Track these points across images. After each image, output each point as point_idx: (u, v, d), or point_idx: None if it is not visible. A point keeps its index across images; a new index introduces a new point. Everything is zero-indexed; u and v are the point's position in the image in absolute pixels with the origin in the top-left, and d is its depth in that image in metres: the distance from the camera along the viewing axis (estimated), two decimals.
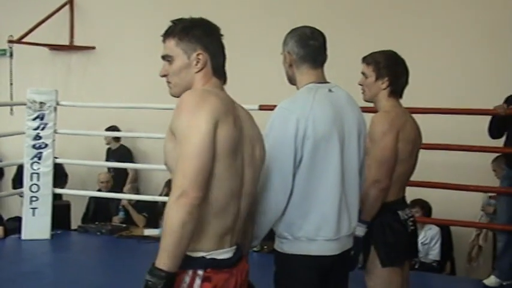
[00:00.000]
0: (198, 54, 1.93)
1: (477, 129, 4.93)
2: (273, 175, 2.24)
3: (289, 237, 2.34)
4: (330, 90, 2.38)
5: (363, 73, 2.89)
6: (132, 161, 7.26)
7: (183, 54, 1.94)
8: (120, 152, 7.27)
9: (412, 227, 2.94)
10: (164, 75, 2.00)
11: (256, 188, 2.04)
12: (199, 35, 1.93)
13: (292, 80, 2.47)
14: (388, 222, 2.82)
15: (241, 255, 1.98)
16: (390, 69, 2.83)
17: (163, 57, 1.99)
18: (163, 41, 1.98)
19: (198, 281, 1.82)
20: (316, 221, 2.31)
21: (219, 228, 1.85)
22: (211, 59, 1.95)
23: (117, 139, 7.30)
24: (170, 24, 1.97)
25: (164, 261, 1.71)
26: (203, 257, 1.83)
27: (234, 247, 1.93)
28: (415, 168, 3.02)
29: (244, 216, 1.97)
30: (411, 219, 2.94)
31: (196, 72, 1.94)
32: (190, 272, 1.81)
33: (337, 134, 2.31)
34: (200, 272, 1.82)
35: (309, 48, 2.40)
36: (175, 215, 1.68)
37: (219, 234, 1.86)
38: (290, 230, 2.33)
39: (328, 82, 2.43)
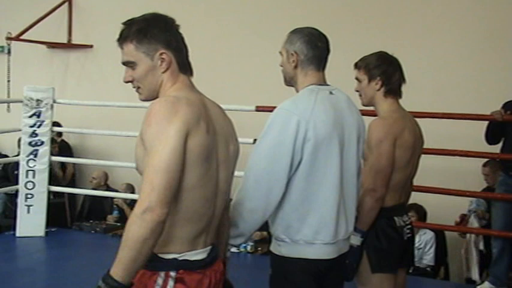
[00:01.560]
0: (161, 54, 1.85)
1: (474, 135, 4.93)
2: (266, 175, 2.22)
3: (287, 240, 2.32)
4: (330, 93, 2.37)
5: (357, 78, 2.85)
6: (72, 156, 7.21)
7: (145, 57, 1.85)
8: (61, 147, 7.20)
9: (408, 235, 2.88)
10: (129, 81, 1.92)
11: (231, 186, 2.00)
12: (158, 33, 1.84)
13: (290, 81, 2.44)
14: (382, 228, 2.78)
15: (216, 256, 1.95)
16: (381, 68, 2.79)
17: (125, 64, 1.90)
18: (121, 46, 1.89)
19: (171, 283, 1.80)
20: (315, 225, 2.30)
21: (192, 231, 1.83)
22: (175, 55, 1.87)
23: (59, 134, 7.22)
24: (122, 26, 1.89)
25: (119, 273, 1.68)
26: (175, 259, 1.81)
27: (209, 248, 1.90)
28: (416, 172, 2.97)
29: (220, 215, 1.95)
30: (408, 226, 2.89)
31: (163, 72, 1.87)
32: (162, 274, 1.79)
33: (337, 137, 2.30)
34: (173, 274, 1.80)
35: (318, 50, 2.38)
36: (137, 230, 1.64)
37: (192, 237, 1.83)
38: (288, 232, 2.31)
39: (328, 84, 2.42)
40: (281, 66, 2.46)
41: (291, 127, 2.21)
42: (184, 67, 1.91)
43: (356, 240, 2.67)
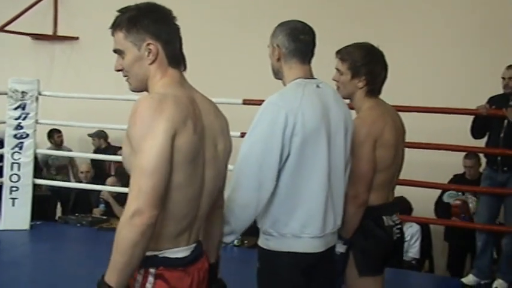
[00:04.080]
0: (147, 45, 1.80)
1: (459, 129, 4.96)
2: (257, 169, 2.22)
3: (275, 233, 2.32)
4: (317, 86, 2.36)
5: (337, 69, 2.70)
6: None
7: (132, 47, 1.81)
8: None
9: (398, 235, 2.77)
10: (119, 70, 1.89)
11: (218, 185, 1.96)
12: (148, 23, 1.80)
13: (278, 74, 2.43)
14: (370, 228, 2.67)
15: (201, 254, 1.92)
16: (368, 67, 2.64)
17: (115, 51, 1.87)
18: (112, 34, 1.86)
19: (150, 279, 1.78)
20: (302, 218, 2.30)
21: (174, 229, 1.80)
22: (165, 47, 1.82)
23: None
24: (117, 14, 1.85)
25: (113, 278, 1.66)
26: (155, 256, 1.78)
27: (192, 245, 1.87)
28: (401, 168, 2.88)
29: (205, 214, 1.91)
30: (398, 226, 2.78)
31: (150, 63, 1.82)
32: (142, 271, 1.77)
33: (325, 130, 2.30)
34: (152, 270, 1.77)
35: (300, 43, 2.36)
36: (127, 235, 1.62)
37: (174, 235, 1.81)
38: (275, 226, 2.31)
39: (315, 78, 2.41)
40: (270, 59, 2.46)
41: (280, 121, 2.21)
42: (175, 61, 1.86)
43: (340, 247, 2.61)
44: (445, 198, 5.46)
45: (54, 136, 7.26)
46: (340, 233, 2.56)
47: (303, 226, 2.30)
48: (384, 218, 2.72)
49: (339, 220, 2.45)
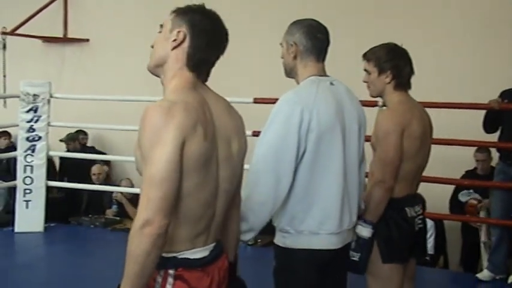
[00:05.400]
0: (178, 32, 1.82)
1: (472, 124, 4.93)
2: (274, 166, 2.22)
3: (292, 231, 2.32)
4: (331, 84, 2.38)
5: (366, 70, 2.82)
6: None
7: (169, 27, 1.85)
8: None
9: (420, 225, 2.86)
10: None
11: (234, 184, 1.95)
12: (194, 20, 1.83)
13: (291, 72, 2.44)
14: (394, 218, 2.75)
15: (220, 253, 1.92)
16: (392, 62, 2.77)
17: (161, 26, 1.91)
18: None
19: (170, 280, 1.78)
20: (319, 215, 2.30)
21: (192, 232, 1.80)
22: (190, 48, 1.82)
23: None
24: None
25: (127, 287, 1.67)
26: (175, 257, 1.79)
27: (211, 245, 1.87)
28: (427, 162, 2.95)
29: (222, 214, 1.90)
30: (420, 216, 2.86)
31: (172, 49, 1.83)
32: (162, 272, 1.77)
33: (339, 127, 2.31)
34: (171, 272, 1.78)
35: (316, 40, 2.38)
36: (138, 246, 1.63)
37: (191, 237, 1.81)
38: (292, 223, 2.32)
39: (328, 76, 2.42)
40: (282, 58, 2.46)
41: (295, 117, 2.22)
42: (198, 69, 1.85)
43: (366, 231, 2.64)
44: (461, 197, 5.43)
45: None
46: (366, 217, 2.61)
47: (320, 223, 2.31)
48: (407, 209, 2.80)
49: (354, 217, 2.47)
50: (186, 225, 1.78)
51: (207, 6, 1.91)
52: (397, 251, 2.77)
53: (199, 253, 1.83)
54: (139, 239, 1.62)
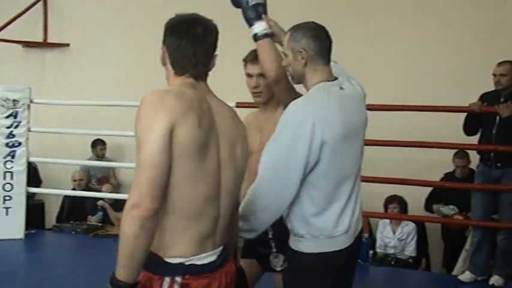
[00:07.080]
0: (164, 48, 1.94)
1: (453, 127, 4.97)
2: (280, 176, 2.20)
3: (307, 235, 2.30)
4: (341, 88, 2.34)
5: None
6: None
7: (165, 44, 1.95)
8: None
9: None
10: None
11: (239, 186, 1.98)
12: (173, 28, 1.92)
13: (300, 79, 2.38)
14: None
15: (228, 257, 1.93)
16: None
17: None
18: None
19: None
20: (334, 219, 2.29)
21: (197, 232, 1.80)
22: (172, 57, 1.92)
23: None
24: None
25: (121, 272, 1.70)
26: (182, 264, 1.79)
27: (219, 249, 1.88)
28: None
29: (228, 215, 1.92)
30: None
31: (163, 65, 1.95)
32: (168, 279, 1.78)
33: (351, 133, 2.29)
34: (178, 279, 1.78)
35: (322, 42, 2.34)
36: (127, 228, 1.66)
37: (198, 239, 1.81)
38: (308, 228, 2.29)
39: (337, 78, 2.38)
40: (286, 66, 2.40)
41: (306, 129, 2.17)
42: (184, 69, 1.92)
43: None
44: (445, 211, 5.49)
45: (97, 148, 7.22)
46: None
47: (335, 226, 2.29)
48: None
49: (360, 215, 2.46)
50: (189, 223, 1.79)
51: (191, 11, 1.95)
52: None
53: (207, 258, 1.83)
54: (128, 222, 1.66)
